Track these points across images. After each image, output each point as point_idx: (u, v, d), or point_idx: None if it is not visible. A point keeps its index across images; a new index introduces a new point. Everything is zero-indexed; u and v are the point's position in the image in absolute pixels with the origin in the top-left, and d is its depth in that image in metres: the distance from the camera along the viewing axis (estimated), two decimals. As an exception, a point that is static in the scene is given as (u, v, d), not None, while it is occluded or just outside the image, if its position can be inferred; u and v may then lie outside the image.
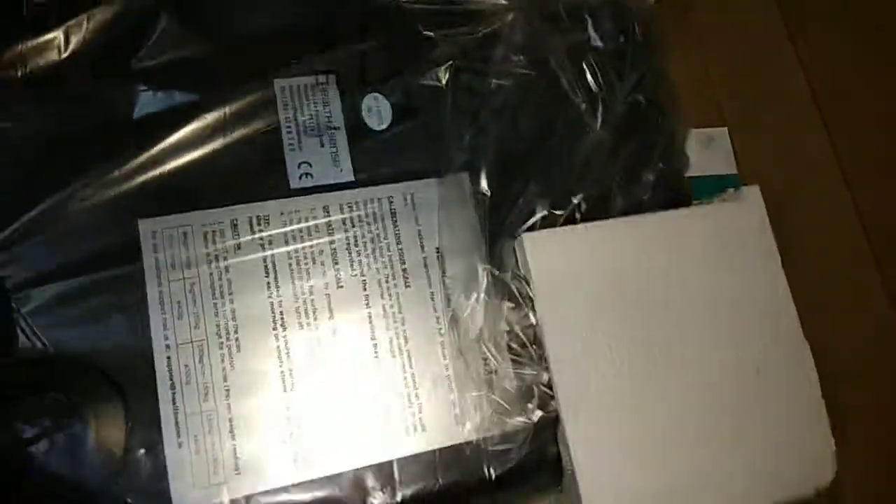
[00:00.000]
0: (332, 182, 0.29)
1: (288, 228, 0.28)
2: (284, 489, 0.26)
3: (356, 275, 0.28)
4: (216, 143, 0.29)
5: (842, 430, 0.32)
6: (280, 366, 0.27)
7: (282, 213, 0.28)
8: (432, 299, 0.29)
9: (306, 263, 0.28)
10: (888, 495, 0.34)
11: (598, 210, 0.32)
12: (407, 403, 0.28)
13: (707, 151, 0.38)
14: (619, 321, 0.29)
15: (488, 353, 0.29)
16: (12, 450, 0.24)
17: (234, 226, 0.28)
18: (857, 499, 0.33)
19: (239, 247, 0.28)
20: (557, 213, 0.31)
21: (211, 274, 0.27)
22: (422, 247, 0.30)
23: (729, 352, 0.30)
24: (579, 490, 0.27)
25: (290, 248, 0.28)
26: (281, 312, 0.27)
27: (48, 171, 0.27)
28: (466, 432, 0.28)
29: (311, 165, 0.29)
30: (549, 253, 0.30)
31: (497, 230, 0.30)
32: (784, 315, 0.31)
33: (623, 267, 0.30)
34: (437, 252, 0.30)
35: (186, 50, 0.29)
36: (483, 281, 0.29)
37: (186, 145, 0.28)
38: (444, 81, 0.32)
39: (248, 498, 0.25)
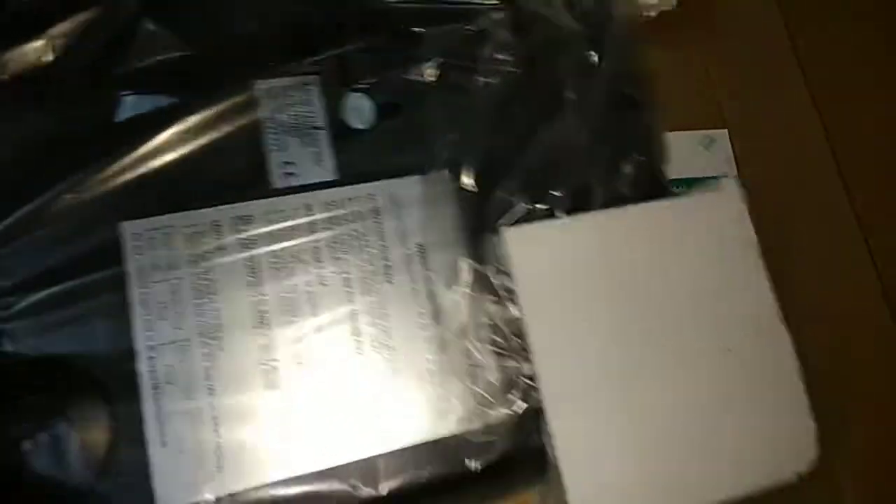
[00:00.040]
0: (315, 181, 0.30)
1: (271, 228, 0.28)
2: (269, 486, 0.26)
3: (339, 272, 0.29)
4: (199, 145, 0.29)
5: (842, 431, 0.32)
6: (264, 364, 0.27)
7: (264, 213, 0.29)
8: (415, 295, 0.29)
9: (289, 262, 0.28)
10: (888, 495, 0.34)
11: (578, 203, 0.32)
12: (391, 398, 0.28)
13: (707, 153, 0.38)
14: (601, 313, 0.30)
15: (471, 347, 0.29)
16: (-2, 452, 0.24)
17: (217, 226, 0.28)
18: (857, 499, 0.33)
19: (222, 247, 0.28)
20: (538, 207, 0.31)
21: (194, 275, 0.27)
22: (404, 243, 0.30)
23: (710, 341, 0.30)
24: (563, 481, 0.28)
25: (273, 247, 0.28)
26: (264, 311, 0.28)
27: (29, 176, 0.27)
28: (451, 425, 0.28)
29: (293, 165, 0.30)
30: (530, 246, 0.30)
31: (479, 225, 0.31)
32: (764, 303, 0.31)
33: (604, 259, 0.30)
34: (420, 248, 0.30)
35: (168, 53, 0.30)
36: (466, 275, 0.30)
37: (169, 148, 0.28)
38: (429, 79, 0.32)
39: (232, 495, 0.26)
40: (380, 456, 0.27)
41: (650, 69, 0.36)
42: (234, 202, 0.28)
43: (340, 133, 0.30)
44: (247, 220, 0.28)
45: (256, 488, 0.26)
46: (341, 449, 0.27)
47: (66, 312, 0.26)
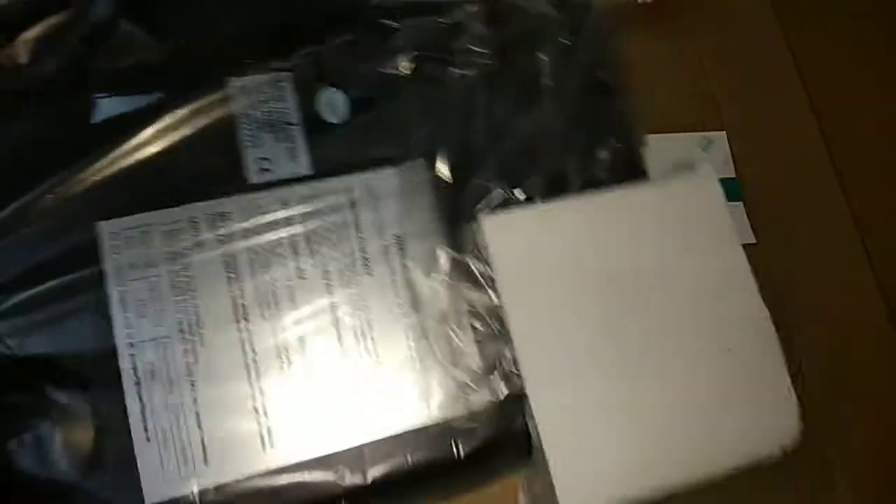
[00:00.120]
0: (290, 176, 0.30)
1: (247, 223, 0.29)
2: (254, 477, 0.26)
3: (318, 265, 0.29)
4: (174, 144, 0.29)
5: (842, 431, 0.33)
6: (245, 357, 0.27)
7: (241, 209, 0.29)
8: (394, 285, 0.29)
9: (267, 257, 0.29)
10: (888, 495, 0.35)
11: (555, 189, 0.32)
12: (373, 388, 0.28)
13: (706, 154, 0.38)
14: (580, 296, 0.30)
15: (452, 334, 0.29)
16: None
17: (194, 224, 0.28)
18: (857, 499, 0.33)
19: (199, 244, 0.28)
20: (515, 193, 0.32)
21: (172, 272, 0.27)
22: (382, 235, 0.30)
23: (689, 320, 0.30)
24: (548, 463, 0.28)
25: (251, 242, 0.29)
26: (243, 305, 0.28)
27: (6, 179, 0.27)
28: (434, 412, 0.28)
29: (269, 161, 0.30)
30: (508, 233, 0.30)
31: (456, 214, 0.31)
32: (741, 282, 0.31)
33: (581, 243, 0.31)
34: (398, 239, 0.30)
35: (143, 54, 0.30)
36: (444, 264, 0.30)
37: (145, 147, 0.29)
38: (404, 72, 0.32)
39: (218, 487, 0.26)
40: (365, 445, 0.28)
41: (626, 56, 0.36)
42: (210, 199, 0.29)
43: (315, 128, 0.31)
44: (224, 217, 0.28)
45: (243, 480, 0.26)
46: (326, 439, 0.27)
47: (47, 312, 0.26)
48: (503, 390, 0.29)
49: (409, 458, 0.28)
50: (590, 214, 0.31)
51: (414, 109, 0.32)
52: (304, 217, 0.29)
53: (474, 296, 0.30)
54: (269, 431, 0.27)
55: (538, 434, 0.28)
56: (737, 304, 0.31)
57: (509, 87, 0.33)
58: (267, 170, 0.30)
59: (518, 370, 0.29)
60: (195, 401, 0.26)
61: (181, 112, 0.29)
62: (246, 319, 0.28)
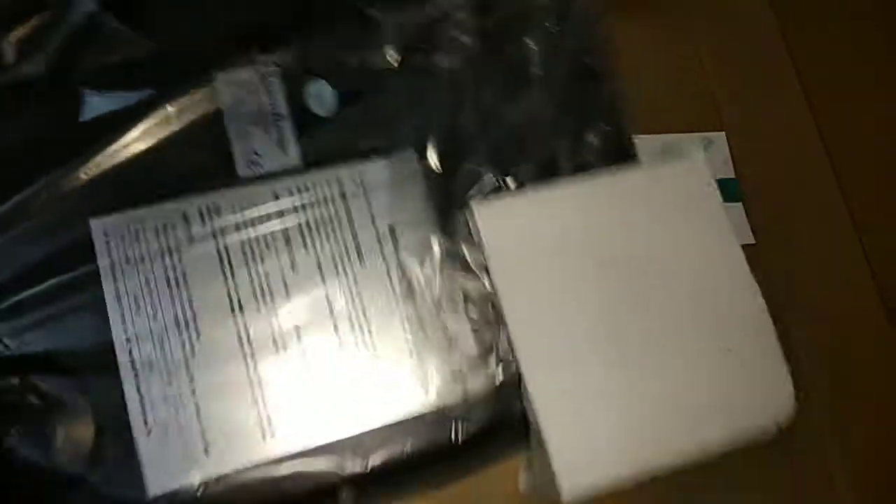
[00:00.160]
0: (280, 168, 0.30)
1: (239, 217, 0.29)
2: (255, 467, 0.26)
3: (311, 257, 0.29)
4: (163, 140, 0.29)
5: (842, 432, 0.33)
6: (241, 349, 0.27)
7: (232, 203, 0.29)
8: (388, 274, 0.30)
9: (260, 250, 0.29)
10: (888, 495, 0.35)
11: (545, 175, 0.32)
12: (370, 377, 0.28)
13: (705, 155, 0.38)
14: (573, 280, 0.30)
15: (447, 321, 0.29)
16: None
17: (186, 218, 0.28)
18: (857, 499, 0.33)
19: (191, 238, 0.28)
20: (506, 180, 0.32)
21: (165, 267, 0.28)
22: (374, 225, 0.30)
23: (682, 297, 0.31)
24: (547, 445, 0.28)
25: (243, 236, 0.29)
26: (238, 298, 0.28)
27: (-4, 180, 0.28)
28: (431, 399, 0.28)
29: (258, 154, 0.30)
30: (499, 219, 0.31)
31: (448, 202, 0.31)
32: (732, 258, 0.31)
33: (572, 226, 0.31)
34: (391, 228, 0.30)
35: (129, 50, 0.30)
36: (437, 252, 0.30)
37: (134, 143, 0.29)
38: (390, 63, 0.32)
39: (219, 478, 0.26)
40: (363, 434, 0.28)
41: (613, 40, 0.36)
42: (201, 193, 0.29)
43: (304, 121, 0.31)
44: (215, 211, 0.29)
45: (244, 470, 0.26)
46: (325, 428, 0.27)
47: (43, 310, 0.26)
48: (500, 375, 0.29)
49: (409, 445, 0.28)
50: (581, 199, 0.32)
51: (402, 100, 0.32)
52: (296, 209, 0.29)
53: (468, 283, 0.30)
54: (268, 421, 0.27)
55: (535, 417, 0.28)
56: (727, 282, 0.31)
57: (497, 75, 0.34)
58: (257, 163, 0.30)
59: (513, 355, 0.29)
60: (194, 392, 0.26)
61: (169, 108, 0.29)
62: (241, 311, 0.28)
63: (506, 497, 0.31)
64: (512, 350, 0.29)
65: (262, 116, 0.30)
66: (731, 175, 0.39)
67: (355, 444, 0.28)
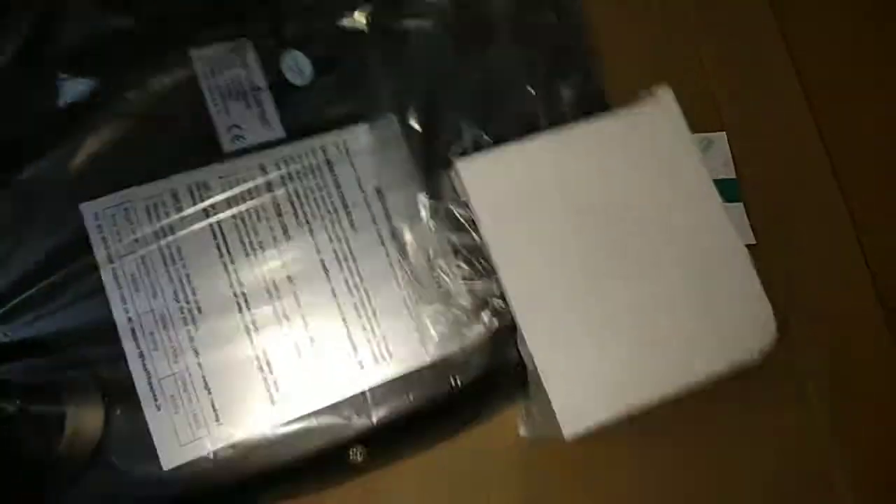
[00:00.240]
0: (264, 141, 0.30)
1: (228, 192, 0.29)
2: (266, 431, 0.27)
3: (302, 225, 0.30)
4: (143, 119, 0.29)
5: (842, 431, 0.34)
6: (243, 319, 0.28)
7: (220, 178, 0.29)
8: (380, 235, 0.30)
9: (252, 222, 0.29)
10: (888, 495, 0.35)
11: (524, 129, 0.33)
12: (370, 336, 0.29)
13: (706, 155, 0.38)
14: (559, 227, 0.31)
15: (440, 275, 0.30)
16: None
17: (175, 196, 0.29)
18: (857, 498, 0.34)
19: (183, 215, 0.28)
20: (486, 136, 0.33)
21: (160, 245, 0.28)
22: (362, 189, 0.31)
23: (661, 237, 0.32)
24: (544, 385, 0.29)
25: (234, 210, 0.29)
26: (235, 270, 0.28)
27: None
28: (430, 352, 0.29)
29: (240, 128, 0.30)
30: (482, 174, 0.31)
31: (431, 161, 0.32)
32: (708, 198, 0.32)
33: (555, 176, 0.32)
34: (378, 191, 0.31)
35: (100, 32, 0.30)
36: (425, 209, 0.31)
37: (114, 125, 0.29)
38: (362, 27, 0.33)
39: (233, 445, 0.27)
40: (367, 391, 0.29)
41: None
42: (187, 171, 0.29)
43: (282, 91, 0.31)
44: (204, 187, 0.29)
45: (255, 435, 0.27)
46: (330, 388, 0.28)
47: (44, 298, 0.27)
48: (494, 323, 0.30)
49: (411, 398, 0.29)
50: (560, 150, 0.32)
51: (377, 64, 0.32)
52: (284, 180, 0.30)
53: (457, 237, 0.31)
54: (275, 386, 0.28)
55: (532, 360, 0.29)
56: (704, 219, 0.32)
57: (467, 33, 0.34)
58: (241, 137, 0.30)
59: (507, 304, 0.30)
60: (200, 365, 0.27)
61: (147, 87, 0.29)
62: (240, 283, 0.28)
63: (506, 449, 0.32)
64: (505, 299, 0.30)
65: (240, 90, 0.30)
66: (732, 175, 0.39)
67: (360, 402, 0.28)
